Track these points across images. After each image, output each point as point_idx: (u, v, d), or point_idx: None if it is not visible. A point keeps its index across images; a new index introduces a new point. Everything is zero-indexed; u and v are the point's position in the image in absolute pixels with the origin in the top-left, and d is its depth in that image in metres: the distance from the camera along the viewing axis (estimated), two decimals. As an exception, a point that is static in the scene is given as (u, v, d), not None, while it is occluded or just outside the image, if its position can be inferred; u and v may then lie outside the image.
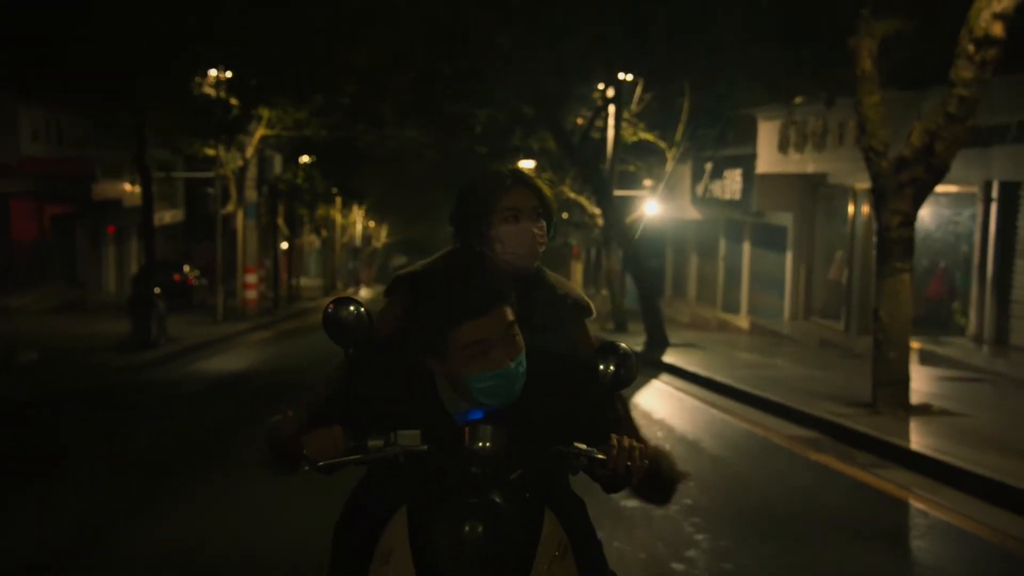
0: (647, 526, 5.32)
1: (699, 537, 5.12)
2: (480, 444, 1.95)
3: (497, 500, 1.91)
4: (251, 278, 22.13)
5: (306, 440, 1.98)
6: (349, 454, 1.97)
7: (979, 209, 13.57)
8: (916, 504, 6.03)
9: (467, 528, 1.87)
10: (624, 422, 2.22)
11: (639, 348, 15.17)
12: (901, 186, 8.68)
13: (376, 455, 1.98)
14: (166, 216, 30.68)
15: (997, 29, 7.97)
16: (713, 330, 20.23)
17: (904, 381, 8.87)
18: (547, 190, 2.42)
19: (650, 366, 13.72)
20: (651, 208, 19.68)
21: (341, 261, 43.42)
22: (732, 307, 21.48)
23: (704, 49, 13.70)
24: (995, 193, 13.17)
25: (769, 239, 19.71)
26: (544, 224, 2.37)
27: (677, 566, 4.63)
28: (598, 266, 30.38)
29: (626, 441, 1.97)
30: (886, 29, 9.41)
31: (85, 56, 15.72)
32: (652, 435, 7.83)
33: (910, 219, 8.80)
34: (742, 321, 20.14)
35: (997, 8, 7.90)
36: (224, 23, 13.28)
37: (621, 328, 18.45)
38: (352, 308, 2.37)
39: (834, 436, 8.13)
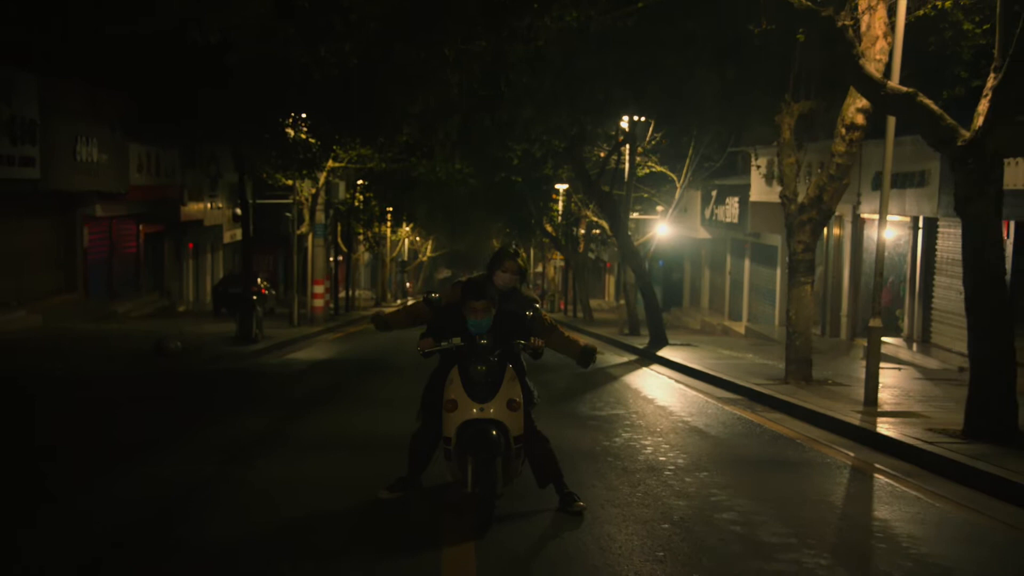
0: (595, 429, 9.51)
1: (625, 435, 9.29)
2: (483, 341, 6.00)
3: (490, 359, 5.97)
4: (319, 289, 26.56)
5: (420, 343, 6.11)
6: (435, 347, 6.08)
7: (910, 236, 17.59)
8: (772, 428, 10.12)
9: (479, 368, 5.89)
10: (550, 333, 6.33)
11: (642, 346, 19.36)
12: (803, 223, 12.81)
13: (445, 347, 6.02)
14: (237, 233, 35.50)
15: (860, 119, 12.08)
16: (716, 334, 24.29)
17: (807, 361, 12.97)
18: (523, 261, 6.54)
19: (648, 359, 17.92)
20: (662, 230, 23.84)
21: (391, 274, 48.02)
22: (736, 315, 25.54)
23: (686, 104, 17.83)
24: (920, 226, 17.17)
25: (764, 257, 23.75)
26: (517, 277, 6.37)
27: (605, 443, 8.81)
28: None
29: (535, 340, 6.11)
30: (802, 108, 13.56)
31: (188, 105, 20.18)
32: (625, 397, 12.02)
33: (810, 247, 12.90)
34: (741, 327, 24.17)
35: (860, 105, 12.00)
36: (314, 85, 17.56)
37: (635, 332, 22.59)
38: (435, 295, 6.56)
39: (749, 397, 12.27)
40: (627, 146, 22.01)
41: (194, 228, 32.17)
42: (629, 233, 23.08)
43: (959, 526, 6.28)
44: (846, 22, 9.76)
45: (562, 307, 37.15)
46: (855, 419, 9.83)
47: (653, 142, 23.34)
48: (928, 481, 7.54)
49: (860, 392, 11.80)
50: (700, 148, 21.66)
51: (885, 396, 11.54)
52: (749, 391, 12.51)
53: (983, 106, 8.78)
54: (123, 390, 12.02)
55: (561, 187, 30.08)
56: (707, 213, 25.41)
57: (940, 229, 16.83)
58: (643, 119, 22.33)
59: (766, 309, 23.46)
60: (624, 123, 22.03)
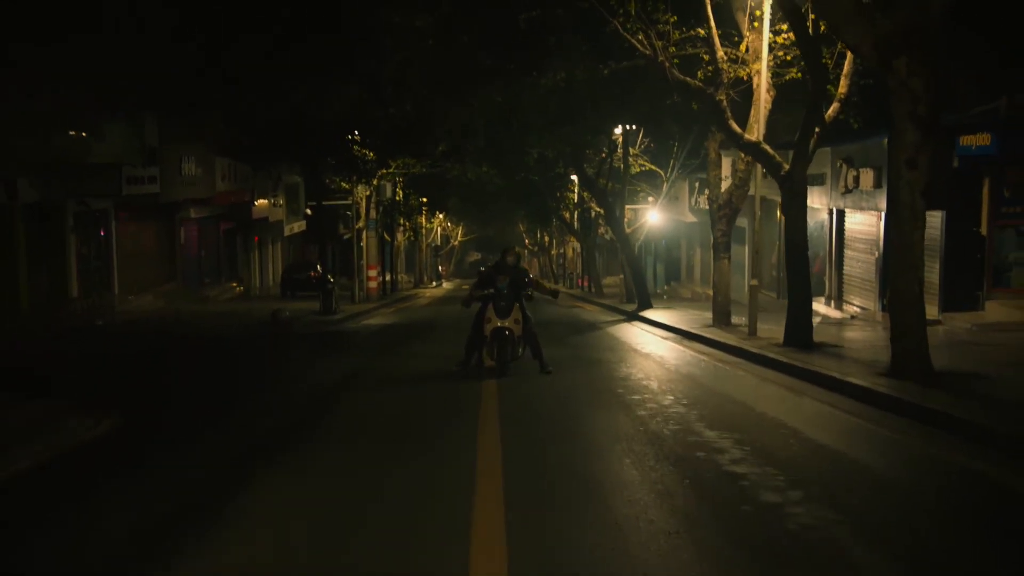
0: (574, 349, 16.69)
1: (590, 352, 16.46)
2: (504, 291, 13.39)
3: (508, 299, 13.33)
4: (372, 273, 33.97)
5: (471, 292, 13.62)
6: (480, 294, 13.48)
7: (827, 222, 24.61)
8: (682, 347, 17.26)
9: (500, 303, 13.31)
10: (537, 286, 13.74)
11: (631, 310, 26.53)
12: (721, 217, 19.90)
13: (484, 296, 13.44)
14: (295, 227, 43.08)
15: (752, 147, 19.09)
16: (701, 301, 31.34)
17: (727, 312, 20.08)
18: (518, 250, 14.03)
19: (632, 318, 25.10)
20: (653, 218, 30.94)
21: (426, 259, 55.51)
22: (718, 286, 32.57)
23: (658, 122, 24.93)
24: (834, 214, 24.16)
25: (737, 236, 30.69)
26: (515, 258, 13.74)
27: (577, 354, 15.97)
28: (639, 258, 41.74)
29: (529, 291, 13.46)
30: (721, 137, 20.61)
31: (279, 138, 27.58)
32: (601, 338, 19.41)
33: (726, 233, 19.99)
34: (720, 295, 31.21)
35: (751, 138, 19.01)
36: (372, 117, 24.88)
37: (631, 300, 29.70)
38: (482, 267, 14.02)
39: (682, 335, 19.41)
40: (619, 151, 29.10)
41: (259, 224, 39.68)
42: (627, 220, 30.25)
43: (744, 379, 13.35)
44: (720, 97, 16.83)
45: (581, 284, 44.36)
46: (733, 341, 16.95)
47: (643, 146, 30.42)
48: (743, 367, 14.63)
49: (757, 330, 18.95)
50: (681, 153, 28.72)
51: (771, 331, 18.57)
52: (685, 332, 19.66)
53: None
54: (280, 341, 19.45)
55: (575, 177, 37.26)
56: (692, 201, 32.46)
57: (847, 215, 23.81)
58: (633, 127, 29.47)
59: (740, 280, 30.44)
60: (618, 130, 29.15)
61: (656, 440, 8.45)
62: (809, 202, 24.89)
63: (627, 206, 30.48)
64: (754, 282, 18.17)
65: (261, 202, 37.94)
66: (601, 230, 39.16)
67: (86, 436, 9.17)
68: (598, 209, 32.67)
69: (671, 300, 31.29)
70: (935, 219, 19.40)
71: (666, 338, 19.33)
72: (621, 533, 5.70)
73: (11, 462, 7.89)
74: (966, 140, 17.75)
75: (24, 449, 8.31)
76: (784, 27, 16.92)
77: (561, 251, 53.85)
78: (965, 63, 18.39)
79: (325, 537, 5.73)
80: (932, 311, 18.99)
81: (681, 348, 17.27)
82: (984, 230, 18.69)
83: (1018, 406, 9.46)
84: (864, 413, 9.91)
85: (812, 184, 23.09)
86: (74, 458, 8.38)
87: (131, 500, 6.77)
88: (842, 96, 15.80)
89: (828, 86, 16.25)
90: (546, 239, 53.36)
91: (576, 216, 38.88)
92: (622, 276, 32.30)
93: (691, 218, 33.37)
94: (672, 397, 11.07)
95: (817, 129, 15.63)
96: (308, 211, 37.89)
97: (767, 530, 5.76)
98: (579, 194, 37.90)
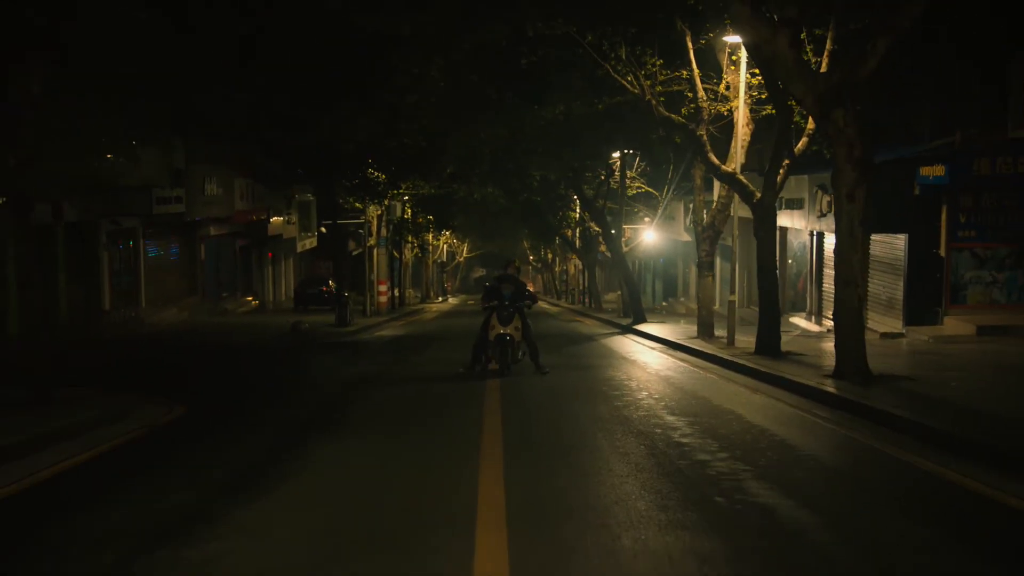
0: (569, 357, 19.01)
1: (584, 359, 18.76)
2: (507, 303, 15.77)
3: (509, 309, 15.73)
4: (382, 288, 36.34)
5: (481, 303, 16.05)
6: (488, 304, 15.88)
7: (808, 242, 26.94)
8: (664, 354, 19.56)
9: (504, 313, 15.70)
10: (530, 298, 16.17)
11: (626, 323, 28.83)
12: (704, 238, 22.23)
13: (492, 305, 15.84)
14: (306, 243, 45.49)
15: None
16: (693, 316, 33.57)
17: (710, 324, 22.38)
18: (518, 262, 16.55)
19: (626, 331, 27.41)
20: (649, 236, 33.28)
21: (432, 275, 57.90)
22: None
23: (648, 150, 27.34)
24: (814, 235, 26.49)
25: (726, 254, 33.06)
26: (515, 270, 16.27)
27: (571, 361, 18.29)
28: (639, 275, 44.05)
29: (529, 300, 15.88)
30: (703, 168, 22.96)
31: (296, 161, 29.99)
32: (594, 347, 21.81)
33: (710, 253, 22.31)
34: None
35: (730, 167, 21.33)
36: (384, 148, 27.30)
37: (627, 315, 32.02)
38: (487, 283, 16.45)
39: (669, 346, 21.70)
40: (616, 174, 31.46)
41: (274, 240, 42.11)
42: (625, 239, 32.65)
43: (713, 381, 15.61)
44: (701, 132, 19.18)
45: (582, 300, 46.68)
46: (711, 350, 19.24)
47: (639, 169, 32.81)
48: (715, 371, 16.90)
49: (735, 341, 21.26)
50: (675, 176, 31.10)
51: (749, 342, 20.82)
52: (671, 342, 21.96)
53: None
54: (303, 349, 21.77)
55: (576, 197, 39.70)
56: (687, 221, 34.80)
57: (825, 236, 26.13)
58: (630, 151, 31.87)
59: (727, 294, 32.71)
60: (616, 154, 31.54)
61: (625, 421, 10.75)
62: (792, 224, 27.35)
63: (625, 226, 32.86)
64: (732, 297, 20.49)
65: (276, 220, 40.38)
66: (602, 248, 41.52)
67: (164, 419, 11.52)
68: (597, 228, 35.05)
69: (666, 315, 33.62)
70: (899, 242, 21.78)
71: (653, 348, 21.62)
72: (587, 476, 8.00)
73: (118, 435, 10.29)
74: (925, 170, 20.01)
75: (125, 426, 10.72)
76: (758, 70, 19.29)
77: (564, 268, 56.32)
78: (936, 80, 20.77)
79: (373, 468, 8.05)
80: (897, 325, 21.39)
81: (665, 356, 19.56)
82: (943, 252, 20.96)
83: (925, 399, 11.74)
84: (802, 405, 12.20)
85: (793, 208, 25.52)
86: (162, 433, 10.71)
87: (213, 463, 9.10)
88: (810, 131, 18.12)
89: (799, 120, 18.63)
90: (549, 256, 55.79)
91: (577, 234, 41.29)
92: (619, 292, 34.60)
93: (686, 237, 35.70)
94: (646, 393, 13.38)
95: (786, 161, 18.00)
96: (322, 229, 40.34)
97: (692, 473, 8.06)
98: (580, 213, 40.32)
